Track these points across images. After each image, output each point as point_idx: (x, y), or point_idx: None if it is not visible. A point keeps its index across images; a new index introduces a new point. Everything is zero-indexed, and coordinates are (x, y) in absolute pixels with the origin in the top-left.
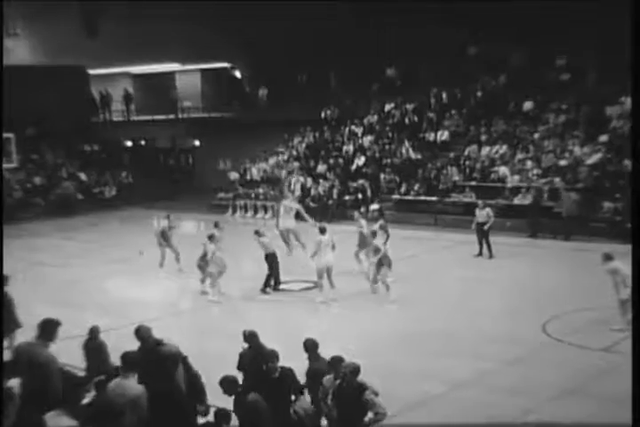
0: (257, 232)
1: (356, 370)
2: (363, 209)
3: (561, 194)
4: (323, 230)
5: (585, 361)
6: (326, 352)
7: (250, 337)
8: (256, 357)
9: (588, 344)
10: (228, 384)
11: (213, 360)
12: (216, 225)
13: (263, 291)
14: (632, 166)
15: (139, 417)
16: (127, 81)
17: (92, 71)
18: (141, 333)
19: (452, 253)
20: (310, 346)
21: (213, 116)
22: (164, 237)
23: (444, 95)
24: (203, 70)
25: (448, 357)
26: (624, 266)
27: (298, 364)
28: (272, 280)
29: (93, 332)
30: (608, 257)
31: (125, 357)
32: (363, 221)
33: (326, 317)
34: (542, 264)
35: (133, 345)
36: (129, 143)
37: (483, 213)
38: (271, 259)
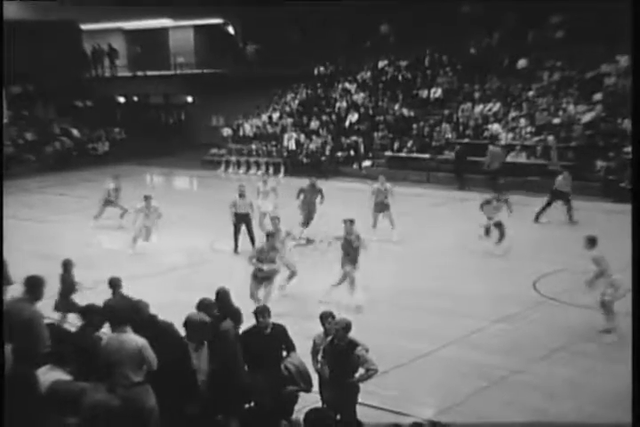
0: (240, 187)
1: (347, 326)
2: (355, 166)
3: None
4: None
5: (575, 319)
6: (318, 309)
7: (221, 295)
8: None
9: (579, 302)
10: (205, 307)
11: None
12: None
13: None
14: (632, 126)
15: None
16: (120, 37)
17: (84, 26)
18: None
19: (444, 210)
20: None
21: (206, 73)
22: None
23: (438, 52)
24: (196, 26)
25: (438, 315)
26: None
27: (289, 320)
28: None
29: (66, 265)
30: (592, 242)
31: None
32: (388, 185)
33: (320, 273)
34: (534, 222)
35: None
36: (121, 99)
37: (564, 183)
38: (237, 219)
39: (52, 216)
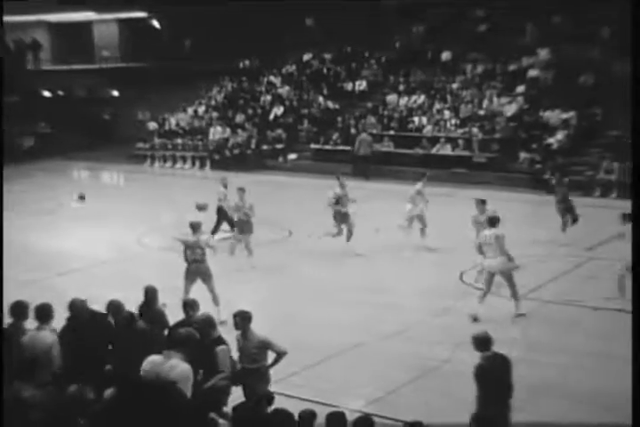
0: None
1: (206, 321)
2: (281, 159)
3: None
4: None
5: (505, 310)
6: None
7: (150, 294)
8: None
9: (507, 292)
10: (114, 308)
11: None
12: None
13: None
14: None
15: (53, 367)
16: (43, 30)
17: (5, 19)
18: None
19: (370, 202)
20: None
21: (132, 67)
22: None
23: (362, 45)
24: (120, 20)
25: (375, 308)
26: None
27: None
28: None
29: None
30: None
31: (40, 310)
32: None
33: (249, 268)
34: (461, 214)
35: (53, 297)
36: (47, 93)
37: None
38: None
39: None
